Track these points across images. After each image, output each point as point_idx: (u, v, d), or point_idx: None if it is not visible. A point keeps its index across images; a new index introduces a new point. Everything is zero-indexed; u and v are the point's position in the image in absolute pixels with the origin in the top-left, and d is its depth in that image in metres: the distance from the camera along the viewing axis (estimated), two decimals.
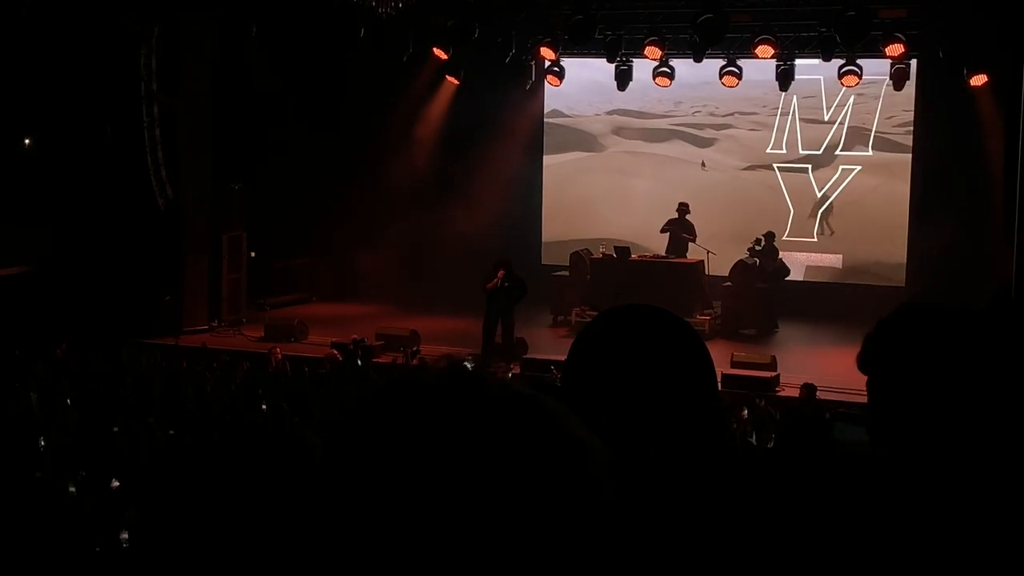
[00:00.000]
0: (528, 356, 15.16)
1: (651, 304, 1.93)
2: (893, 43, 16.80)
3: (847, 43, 16.24)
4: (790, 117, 20.29)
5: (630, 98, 20.53)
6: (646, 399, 1.76)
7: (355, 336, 15.39)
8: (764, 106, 20.52)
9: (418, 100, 20.78)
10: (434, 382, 1.09)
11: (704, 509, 1.73)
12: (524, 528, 0.99)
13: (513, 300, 15.72)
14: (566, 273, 19.02)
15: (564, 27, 16.89)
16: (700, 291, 17.81)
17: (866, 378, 2.06)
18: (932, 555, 1.83)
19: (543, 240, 21.63)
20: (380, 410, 1.07)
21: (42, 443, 7.81)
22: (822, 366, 14.35)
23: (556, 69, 19.62)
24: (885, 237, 19.50)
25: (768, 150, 20.48)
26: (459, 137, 20.63)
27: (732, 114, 20.78)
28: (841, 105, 19.94)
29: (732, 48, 17.94)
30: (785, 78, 18.52)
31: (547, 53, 18.70)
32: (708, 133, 21.03)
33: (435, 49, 18.65)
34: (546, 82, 20.35)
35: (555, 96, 21.45)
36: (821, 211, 20.09)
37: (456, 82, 20.19)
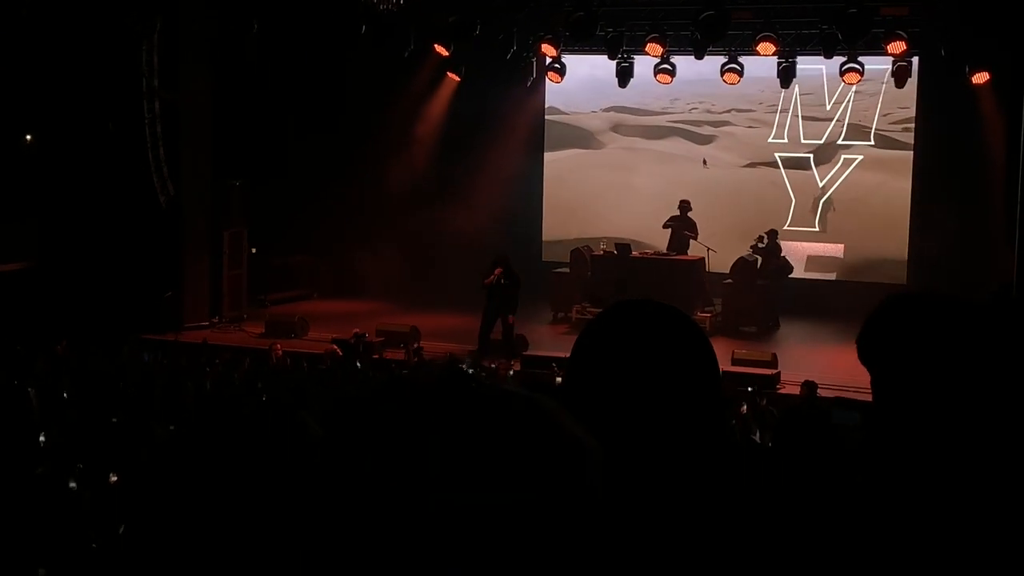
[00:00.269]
0: (528, 353, 15.16)
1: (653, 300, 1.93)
2: (895, 40, 16.80)
3: (849, 40, 16.23)
4: (789, 114, 20.30)
5: (627, 95, 20.52)
6: (649, 395, 1.76)
7: (356, 330, 15.42)
8: (761, 103, 20.54)
9: (419, 97, 20.78)
10: (431, 383, 1.10)
11: (705, 505, 1.73)
12: (519, 523, 0.99)
13: (512, 297, 15.74)
14: (567, 270, 19.01)
15: (565, 24, 16.88)
16: (701, 288, 17.81)
17: (866, 375, 2.06)
18: (931, 548, 1.82)
19: (544, 238, 21.64)
20: (378, 410, 1.08)
21: (42, 439, 7.80)
22: (823, 364, 14.35)
23: (557, 66, 19.62)
24: (886, 234, 19.51)
25: (770, 139, 20.48)
26: (460, 134, 20.63)
27: (729, 111, 20.80)
28: (839, 102, 19.96)
29: (733, 45, 17.95)
30: (787, 75, 18.53)
31: (548, 50, 18.70)
32: (706, 130, 21.04)
33: (436, 46, 18.64)
34: (547, 79, 20.35)
35: (552, 93, 21.47)
36: (823, 201, 20.09)
37: (457, 79, 20.20)
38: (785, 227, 19.73)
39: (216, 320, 18.02)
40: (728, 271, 17.85)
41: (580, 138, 21.85)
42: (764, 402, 11.74)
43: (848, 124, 20.00)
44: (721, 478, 1.77)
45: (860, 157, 19.92)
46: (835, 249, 20.02)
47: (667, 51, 18.05)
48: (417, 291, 19.72)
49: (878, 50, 17.23)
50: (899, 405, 1.97)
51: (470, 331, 16.00)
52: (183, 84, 17.61)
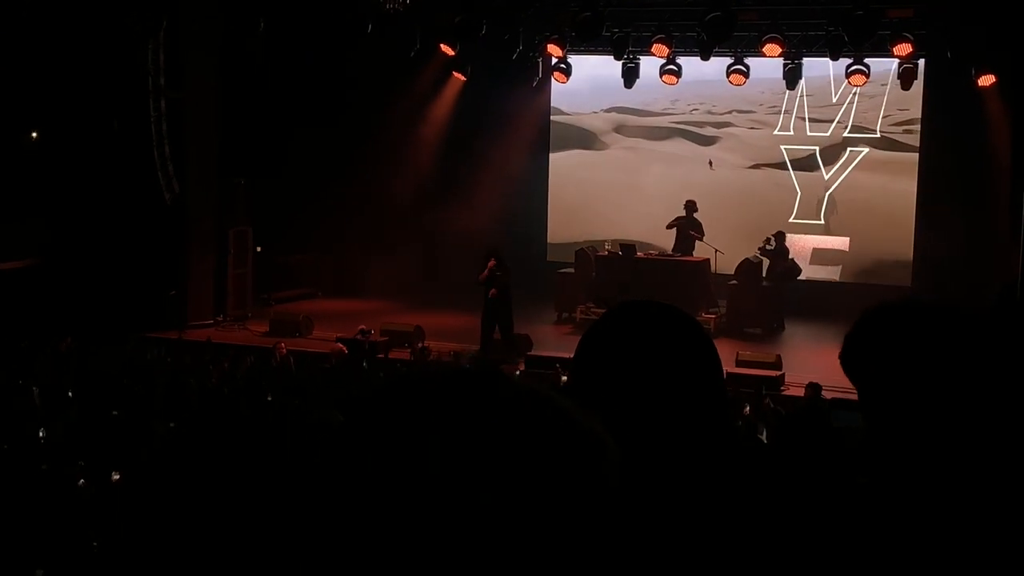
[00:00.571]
0: (532, 353, 15.15)
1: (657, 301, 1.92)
2: (901, 43, 16.76)
3: (855, 42, 16.20)
4: (793, 115, 20.30)
5: (627, 96, 20.54)
6: (653, 395, 1.76)
7: (362, 327, 15.43)
8: (761, 104, 20.55)
9: (424, 96, 20.79)
10: (449, 375, 1.09)
11: (711, 504, 1.72)
12: (536, 519, 0.98)
13: (506, 286, 15.73)
14: (571, 270, 19.00)
15: (572, 24, 16.88)
16: (706, 289, 17.79)
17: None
18: (930, 551, 1.81)
19: (549, 240, 21.62)
20: (396, 402, 1.07)
21: (42, 434, 7.81)
22: (827, 365, 14.25)
23: (563, 66, 19.61)
24: (891, 236, 19.49)
25: (773, 141, 20.49)
26: (465, 133, 20.64)
27: (730, 112, 20.81)
28: (840, 104, 19.96)
29: (739, 46, 17.93)
30: (793, 77, 18.52)
31: (554, 50, 18.70)
32: (709, 131, 21.04)
33: (442, 45, 18.64)
34: (553, 79, 20.34)
35: (554, 93, 21.45)
36: (826, 200, 20.08)
37: (463, 78, 20.20)
38: (790, 220, 19.73)
39: (220, 318, 18.04)
40: (733, 272, 17.84)
41: (583, 139, 21.84)
42: (767, 401, 11.73)
43: (850, 126, 19.99)
44: (726, 478, 1.76)
45: (862, 157, 19.90)
46: (840, 242, 19.99)
47: (673, 52, 18.04)
48: (421, 290, 19.74)
49: (884, 52, 17.21)
50: (885, 417, 1.96)
51: (473, 330, 16.00)
52: (189, 82, 17.61)
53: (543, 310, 18.31)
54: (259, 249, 19.13)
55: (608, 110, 21.65)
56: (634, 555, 1.55)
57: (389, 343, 15.72)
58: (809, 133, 20.26)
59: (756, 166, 20.64)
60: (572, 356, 1.91)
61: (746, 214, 20.04)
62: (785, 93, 19.72)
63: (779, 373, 14.06)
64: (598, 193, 21.44)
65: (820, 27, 17.40)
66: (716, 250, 17.99)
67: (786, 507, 1.78)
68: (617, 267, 17.97)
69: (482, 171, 20.47)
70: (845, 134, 20.05)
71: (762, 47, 17.19)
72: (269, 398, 9.98)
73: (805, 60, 18.43)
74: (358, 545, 1.00)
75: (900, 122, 19.75)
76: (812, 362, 14.85)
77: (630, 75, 19.26)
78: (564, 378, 11.28)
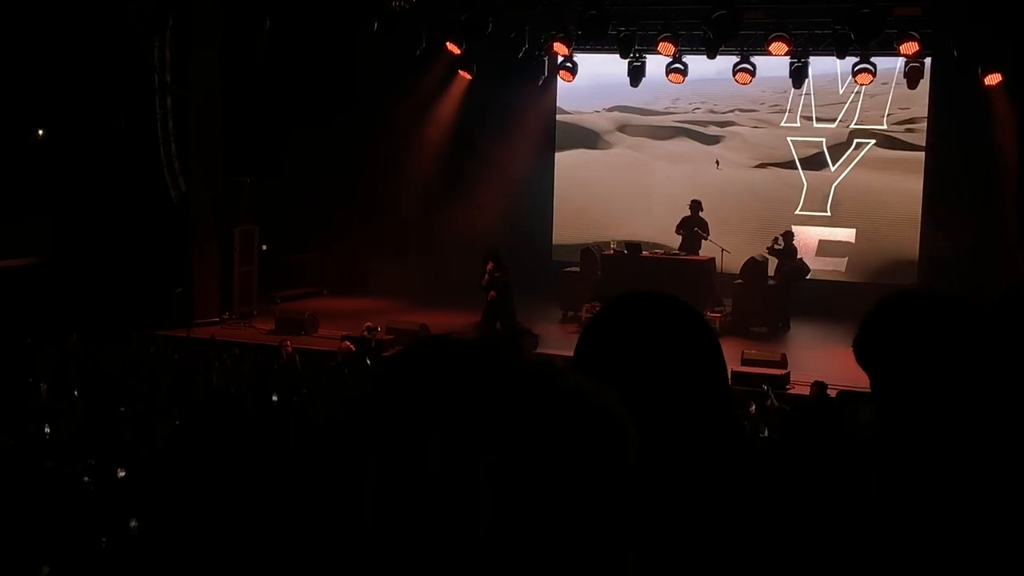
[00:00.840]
0: (538, 352, 15.11)
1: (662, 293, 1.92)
2: (907, 41, 16.74)
3: (861, 41, 16.18)
4: (798, 114, 20.26)
5: (629, 95, 20.50)
6: (655, 387, 1.75)
7: (368, 323, 15.43)
8: (763, 103, 20.50)
9: (430, 95, 20.75)
10: (474, 343, 1.06)
11: (712, 497, 1.72)
12: (545, 517, 0.96)
13: (507, 291, 15.74)
14: (576, 269, 18.98)
15: (578, 22, 16.86)
16: (711, 288, 17.76)
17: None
18: (936, 548, 1.81)
19: (554, 239, 21.57)
20: (421, 364, 1.04)
21: (47, 430, 7.83)
22: (832, 364, 14.28)
23: (569, 65, 19.58)
24: (897, 235, 19.45)
25: (776, 139, 20.44)
26: (470, 132, 20.61)
27: (732, 111, 20.76)
28: (842, 102, 19.91)
29: (745, 45, 17.90)
30: (799, 75, 18.48)
31: (560, 48, 18.67)
32: (712, 130, 20.99)
33: (448, 43, 18.62)
34: (558, 78, 20.31)
35: (560, 92, 21.39)
36: (831, 199, 20.05)
37: (469, 77, 20.17)
38: (796, 211, 19.80)
39: (226, 316, 18.06)
40: (739, 272, 17.81)
41: (586, 138, 21.79)
42: (770, 402, 11.72)
43: (853, 125, 19.94)
44: (730, 470, 1.75)
45: (866, 153, 19.85)
46: (847, 234, 19.94)
47: (679, 50, 18.01)
48: (426, 289, 19.72)
49: (890, 51, 17.17)
50: (898, 406, 1.96)
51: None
52: (194, 80, 17.63)
53: (548, 309, 18.30)
54: (265, 248, 19.14)
55: (610, 109, 21.60)
56: (643, 547, 1.54)
57: (395, 342, 15.71)
58: (812, 132, 20.18)
59: (762, 165, 20.60)
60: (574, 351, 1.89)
61: (752, 213, 20.02)
62: (788, 92, 19.68)
63: (784, 372, 14.04)
64: (604, 192, 21.40)
65: (826, 25, 17.37)
66: (722, 249, 17.98)
67: (792, 501, 1.78)
68: (623, 266, 17.95)
69: (487, 170, 20.45)
70: (852, 126, 19.95)
71: (768, 46, 17.16)
72: (274, 396, 9.99)
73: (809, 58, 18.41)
74: (359, 544, 0.98)
75: (901, 121, 19.71)
76: (817, 361, 14.83)
77: (636, 74, 19.23)
78: None
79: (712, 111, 20.99)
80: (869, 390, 2.05)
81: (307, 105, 19.19)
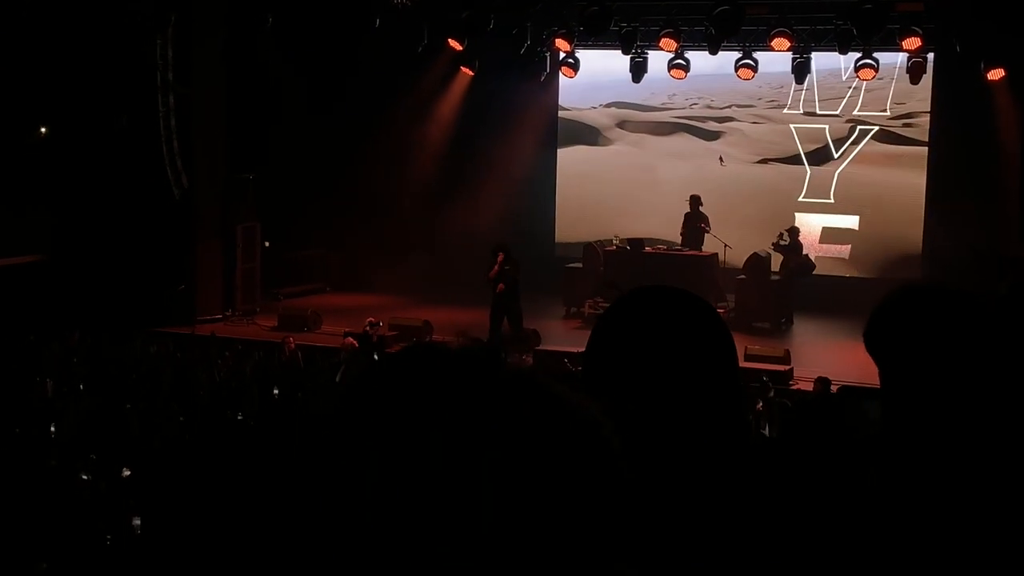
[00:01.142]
0: (541, 348, 15.14)
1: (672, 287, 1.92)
2: (910, 36, 16.72)
3: (864, 36, 16.18)
4: (800, 109, 20.24)
5: (625, 90, 20.49)
6: (668, 379, 1.75)
7: (371, 319, 15.42)
8: (760, 99, 20.48)
9: (432, 92, 20.74)
10: (457, 351, 1.08)
11: (722, 490, 1.72)
12: (538, 512, 0.97)
13: (515, 282, 15.74)
14: (579, 265, 18.99)
15: (580, 18, 16.86)
16: (714, 284, 17.74)
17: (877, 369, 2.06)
18: (941, 544, 1.81)
19: (556, 235, 21.56)
20: (403, 371, 1.06)
21: (53, 429, 7.84)
22: (836, 360, 14.29)
23: (571, 61, 19.57)
24: (900, 230, 19.42)
25: (776, 134, 20.42)
26: (472, 129, 20.60)
27: (729, 106, 20.75)
28: (840, 97, 19.89)
29: (748, 41, 17.89)
30: (801, 71, 18.48)
31: (562, 45, 18.66)
32: (711, 126, 20.97)
33: (450, 40, 18.61)
34: (561, 74, 20.30)
35: (562, 89, 21.37)
36: (837, 174, 20.02)
37: (471, 73, 20.16)
38: (800, 199, 19.84)
39: (229, 313, 18.08)
40: (742, 267, 17.81)
41: (585, 134, 21.76)
42: (771, 394, 11.73)
43: (856, 112, 19.92)
44: (739, 463, 1.76)
45: (863, 147, 19.83)
46: (850, 221, 19.90)
47: (681, 46, 18.01)
48: (429, 286, 19.71)
49: (893, 46, 17.16)
50: (907, 397, 1.96)
51: (482, 325, 15.97)
52: (197, 78, 17.63)
53: (551, 305, 18.30)
54: (267, 244, 19.15)
55: (608, 105, 21.58)
56: (645, 543, 1.54)
57: (398, 338, 15.71)
58: (811, 127, 20.16)
59: (764, 160, 20.58)
60: (584, 347, 1.90)
61: (754, 208, 20.00)
62: (785, 87, 19.69)
63: (788, 367, 14.04)
64: (606, 189, 21.38)
65: (828, 21, 17.36)
66: (725, 244, 17.98)
67: (798, 497, 1.78)
68: (625, 262, 17.94)
69: (489, 166, 20.44)
70: (856, 113, 19.91)
71: (770, 41, 17.15)
72: (276, 392, 10.01)
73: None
74: (360, 542, 0.99)
75: (900, 115, 19.69)
76: (821, 357, 14.84)
77: (638, 70, 19.22)
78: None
79: (709, 107, 20.97)
80: (871, 386, 2.06)
81: (309, 102, 19.19)
